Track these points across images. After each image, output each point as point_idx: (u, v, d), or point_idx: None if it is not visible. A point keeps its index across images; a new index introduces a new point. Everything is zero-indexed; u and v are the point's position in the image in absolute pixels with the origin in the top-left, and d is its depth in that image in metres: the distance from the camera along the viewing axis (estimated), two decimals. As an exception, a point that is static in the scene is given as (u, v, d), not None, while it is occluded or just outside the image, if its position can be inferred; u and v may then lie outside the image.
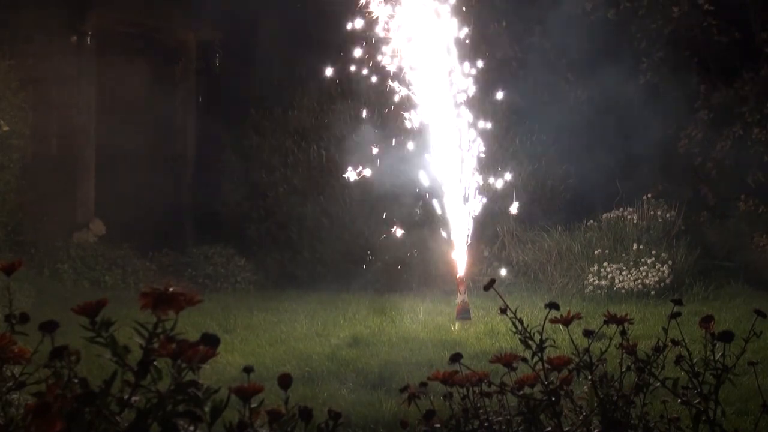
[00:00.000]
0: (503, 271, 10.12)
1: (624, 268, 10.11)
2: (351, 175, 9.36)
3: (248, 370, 2.16)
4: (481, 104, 10.48)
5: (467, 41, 9.02)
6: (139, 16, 12.17)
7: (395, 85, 8.86)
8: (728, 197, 11.43)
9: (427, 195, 9.25)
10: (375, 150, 9.61)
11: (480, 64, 9.32)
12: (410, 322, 8.35)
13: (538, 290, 10.37)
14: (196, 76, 12.93)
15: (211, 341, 1.67)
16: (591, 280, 10.07)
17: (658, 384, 2.33)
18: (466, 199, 8.89)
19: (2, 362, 1.81)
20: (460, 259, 8.81)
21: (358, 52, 8.96)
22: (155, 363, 1.64)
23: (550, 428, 2.16)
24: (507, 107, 12.13)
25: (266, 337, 7.54)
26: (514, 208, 9.45)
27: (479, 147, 9.05)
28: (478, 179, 9.01)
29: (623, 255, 10.37)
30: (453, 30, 8.87)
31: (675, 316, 2.50)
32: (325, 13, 10.88)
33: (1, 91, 9.61)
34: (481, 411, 2.28)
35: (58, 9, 11.33)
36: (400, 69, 8.82)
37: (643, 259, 10.16)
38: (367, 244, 10.97)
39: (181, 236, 12.04)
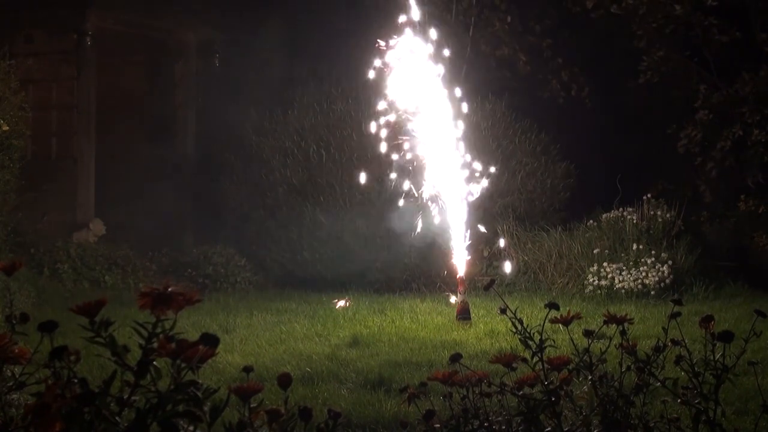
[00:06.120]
0: (507, 266, 9.65)
1: (624, 268, 10.10)
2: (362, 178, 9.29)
3: (248, 370, 2.16)
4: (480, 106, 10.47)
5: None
6: (139, 16, 12.16)
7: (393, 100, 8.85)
8: (728, 197, 11.43)
9: (426, 197, 9.22)
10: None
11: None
12: (410, 322, 8.34)
13: (538, 290, 10.37)
14: (196, 76, 12.91)
15: (210, 341, 1.67)
16: (591, 280, 10.06)
17: (658, 384, 2.33)
18: (464, 200, 8.88)
19: (2, 362, 1.81)
20: (459, 259, 8.80)
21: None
22: (155, 363, 1.64)
23: (549, 428, 2.16)
24: (506, 106, 12.15)
25: (266, 337, 7.52)
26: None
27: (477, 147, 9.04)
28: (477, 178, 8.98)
29: (623, 255, 10.36)
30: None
31: (675, 316, 2.50)
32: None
33: (1, 91, 9.59)
34: (481, 411, 2.28)
35: (58, 9, 11.33)
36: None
37: (643, 259, 10.15)
38: (367, 243, 10.96)
39: (181, 236, 12.03)
